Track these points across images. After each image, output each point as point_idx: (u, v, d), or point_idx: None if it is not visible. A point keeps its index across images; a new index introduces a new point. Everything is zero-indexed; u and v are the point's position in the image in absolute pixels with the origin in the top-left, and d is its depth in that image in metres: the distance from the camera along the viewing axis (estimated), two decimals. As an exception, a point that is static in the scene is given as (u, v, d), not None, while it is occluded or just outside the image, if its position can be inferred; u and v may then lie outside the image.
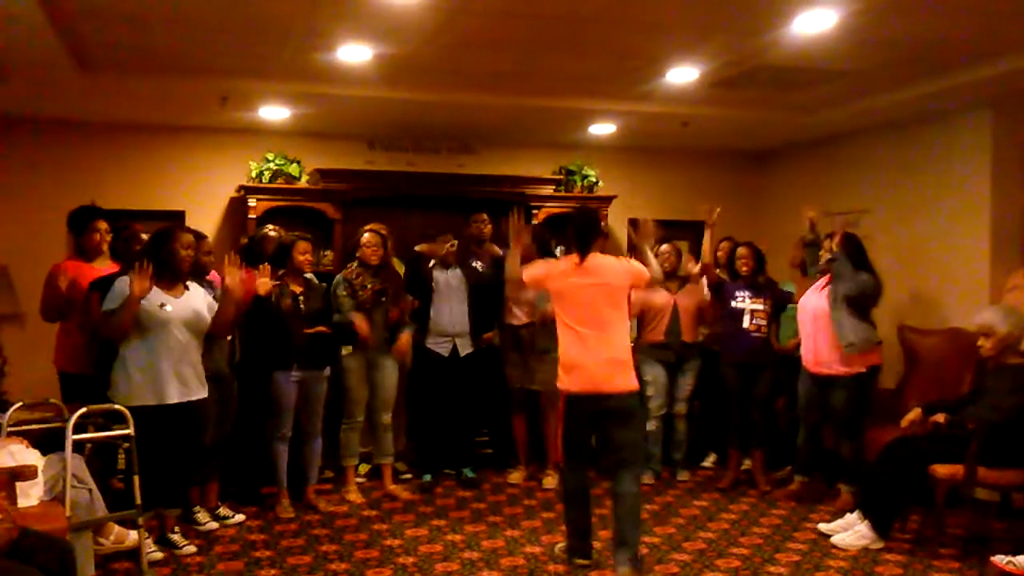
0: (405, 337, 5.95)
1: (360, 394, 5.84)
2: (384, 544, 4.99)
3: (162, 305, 4.53)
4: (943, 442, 4.85)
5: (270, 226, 6.08)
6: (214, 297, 5.25)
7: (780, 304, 6.24)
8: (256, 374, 5.42)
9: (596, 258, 4.53)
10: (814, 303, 5.69)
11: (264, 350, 5.40)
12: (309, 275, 5.65)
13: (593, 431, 4.54)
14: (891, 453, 4.99)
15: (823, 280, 5.74)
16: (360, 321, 5.63)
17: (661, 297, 6.24)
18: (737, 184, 8.54)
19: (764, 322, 6.05)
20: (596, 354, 4.40)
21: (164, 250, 4.60)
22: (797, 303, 6.02)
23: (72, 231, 5.60)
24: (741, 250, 6.22)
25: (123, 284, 4.46)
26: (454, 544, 5.01)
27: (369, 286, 5.75)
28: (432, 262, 6.17)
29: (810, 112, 6.68)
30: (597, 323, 4.42)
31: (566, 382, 4.48)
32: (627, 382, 4.47)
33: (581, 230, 4.57)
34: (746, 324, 6.07)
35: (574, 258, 4.53)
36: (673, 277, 6.36)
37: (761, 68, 5.43)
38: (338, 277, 5.91)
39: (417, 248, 6.18)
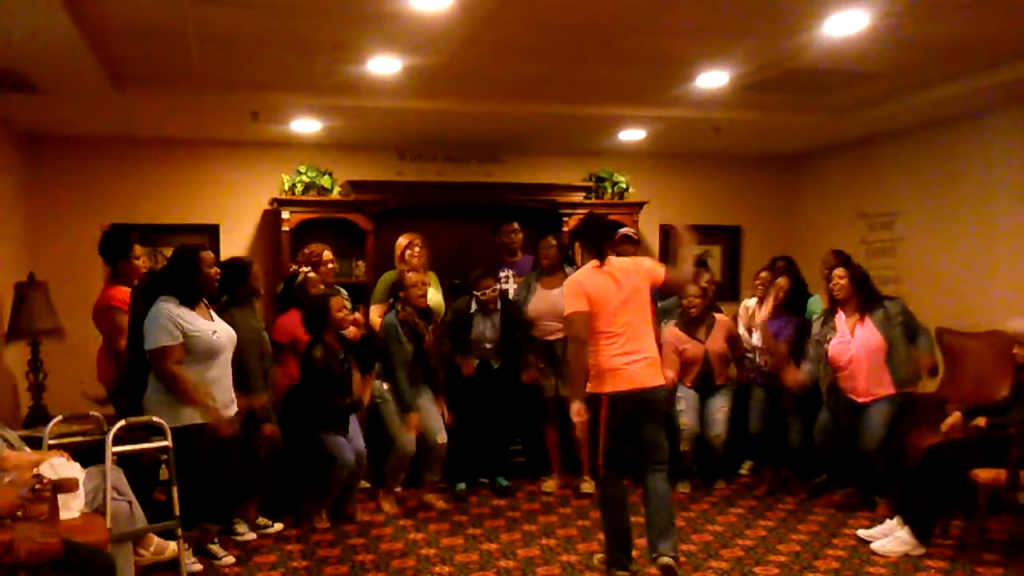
0: (415, 419, 5.79)
1: (404, 430, 5.77)
2: (420, 553, 5.00)
3: (213, 333, 4.56)
4: (984, 446, 4.78)
5: (307, 268, 5.92)
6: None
7: (800, 334, 5.97)
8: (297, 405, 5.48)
9: (614, 261, 4.55)
10: (862, 340, 5.52)
11: (311, 413, 5.41)
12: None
13: (632, 431, 4.43)
14: (932, 458, 4.92)
15: (850, 315, 5.63)
16: (414, 421, 5.70)
17: (693, 349, 6.29)
18: (770, 188, 8.49)
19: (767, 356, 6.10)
20: (633, 355, 4.38)
21: (196, 275, 4.60)
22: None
23: (107, 258, 5.40)
24: (780, 280, 6.19)
25: (171, 315, 4.45)
26: (490, 553, 5.00)
27: (429, 331, 5.84)
28: (474, 308, 6.15)
29: (844, 114, 6.62)
30: (628, 324, 4.40)
31: (606, 385, 4.38)
32: (660, 377, 4.50)
33: (594, 234, 4.63)
34: (757, 359, 6.22)
35: (593, 263, 4.53)
36: (700, 322, 6.34)
37: (793, 71, 5.39)
38: (391, 318, 5.78)
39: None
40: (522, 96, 6.04)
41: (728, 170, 8.36)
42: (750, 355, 6.39)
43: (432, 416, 5.88)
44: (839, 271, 5.66)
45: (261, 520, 5.40)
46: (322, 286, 5.75)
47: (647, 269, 4.59)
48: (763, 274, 6.55)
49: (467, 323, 6.13)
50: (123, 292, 5.22)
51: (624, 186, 7.72)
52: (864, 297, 5.60)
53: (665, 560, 4.30)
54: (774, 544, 5.13)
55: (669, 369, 5.84)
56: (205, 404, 4.46)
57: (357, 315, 5.91)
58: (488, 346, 6.17)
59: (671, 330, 6.31)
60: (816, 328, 5.78)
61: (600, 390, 4.40)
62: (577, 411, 4.46)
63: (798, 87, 5.84)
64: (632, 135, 7.23)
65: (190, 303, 4.56)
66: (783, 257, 6.67)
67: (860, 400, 5.53)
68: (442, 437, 5.89)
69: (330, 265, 6.04)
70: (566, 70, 5.42)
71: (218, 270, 4.78)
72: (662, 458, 4.49)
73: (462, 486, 6.24)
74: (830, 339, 5.63)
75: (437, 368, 5.97)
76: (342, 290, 5.93)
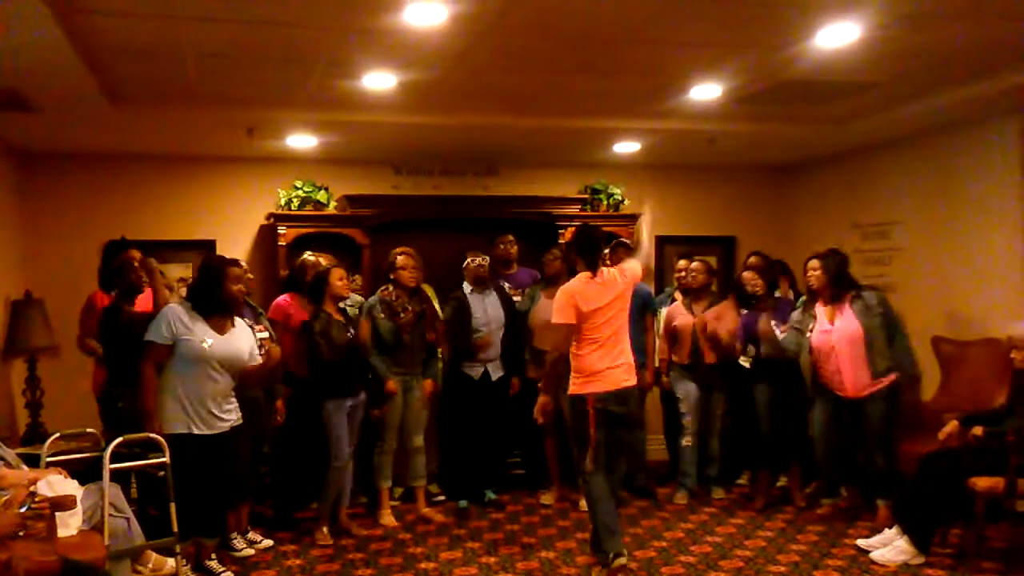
0: (429, 384, 6.04)
1: (394, 417, 5.85)
2: (419, 567, 4.99)
3: (204, 342, 4.54)
4: (982, 454, 4.78)
5: (308, 253, 6.17)
6: (256, 319, 5.30)
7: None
8: (304, 402, 5.48)
9: (604, 272, 4.76)
10: (842, 329, 5.54)
11: (314, 380, 5.46)
12: (343, 305, 5.73)
13: (610, 428, 4.68)
14: (929, 467, 4.93)
15: (826, 304, 5.65)
16: (392, 385, 5.76)
17: (683, 320, 6.36)
18: (765, 198, 8.50)
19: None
20: (615, 360, 4.67)
21: (217, 289, 4.62)
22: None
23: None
24: (746, 274, 6.23)
25: (172, 317, 4.52)
26: (489, 566, 5.00)
27: (409, 308, 5.80)
28: (469, 288, 6.21)
29: (838, 124, 6.64)
30: (615, 333, 4.69)
31: (591, 386, 4.65)
32: (634, 378, 4.81)
33: (587, 246, 4.82)
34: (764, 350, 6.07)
35: (586, 275, 4.73)
36: (703, 295, 6.37)
37: (786, 83, 5.41)
38: (373, 299, 5.93)
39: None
40: (517, 109, 6.06)
41: (723, 181, 8.37)
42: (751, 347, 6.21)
43: (412, 416, 5.90)
44: (812, 262, 5.75)
45: (252, 535, 5.39)
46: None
47: (630, 272, 4.83)
48: (751, 263, 6.65)
49: (465, 309, 6.19)
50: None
51: (619, 198, 7.74)
52: (838, 287, 5.62)
53: (621, 560, 4.55)
54: (773, 555, 5.12)
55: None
56: (151, 414, 4.47)
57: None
58: (488, 338, 6.16)
59: (671, 308, 6.57)
60: (796, 315, 5.85)
61: (585, 391, 4.65)
62: (543, 404, 5.10)
63: (792, 98, 5.85)
64: (627, 147, 7.24)
65: (203, 312, 4.59)
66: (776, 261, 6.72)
67: (849, 396, 5.53)
68: (417, 440, 5.93)
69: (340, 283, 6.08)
70: (561, 83, 5.43)
71: (243, 287, 4.80)
72: (627, 460, 4.91)
73: (464, 503, 6.22)
74: (811, 328, 5.68)
75: (426, 348, 6.01)
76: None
